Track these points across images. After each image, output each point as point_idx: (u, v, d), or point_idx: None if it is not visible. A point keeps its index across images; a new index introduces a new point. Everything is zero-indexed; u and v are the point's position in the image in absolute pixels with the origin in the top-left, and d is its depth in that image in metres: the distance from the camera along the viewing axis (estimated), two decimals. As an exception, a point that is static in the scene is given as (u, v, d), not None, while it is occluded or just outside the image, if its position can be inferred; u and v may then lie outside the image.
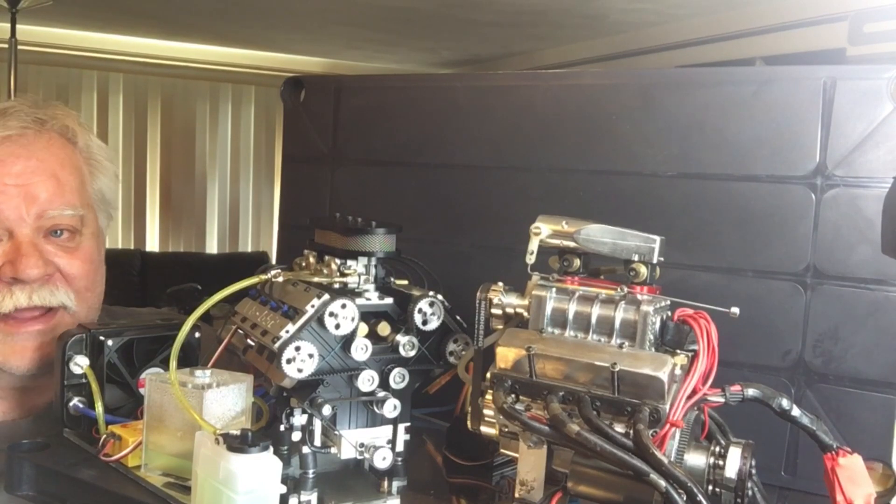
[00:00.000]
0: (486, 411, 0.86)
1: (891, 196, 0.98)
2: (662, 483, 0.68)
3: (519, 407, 0.80)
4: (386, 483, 0.92)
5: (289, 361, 0.82)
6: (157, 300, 4.71)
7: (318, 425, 0.90)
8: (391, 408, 0.89)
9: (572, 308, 0.82)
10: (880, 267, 1.00)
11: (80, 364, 0.98)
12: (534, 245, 0.84)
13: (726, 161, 1.10)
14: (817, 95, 1.05)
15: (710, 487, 0.76)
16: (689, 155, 1.13)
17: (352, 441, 0.90)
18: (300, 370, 0.83)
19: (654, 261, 0.80)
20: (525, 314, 0.84)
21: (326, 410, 0.85)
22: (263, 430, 0.97)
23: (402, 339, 0.90)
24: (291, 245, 1.47)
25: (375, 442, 0.91)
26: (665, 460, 0.69)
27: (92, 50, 5.07)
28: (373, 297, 0.92)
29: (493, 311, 0.86)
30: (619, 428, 0.74)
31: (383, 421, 0.92)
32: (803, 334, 1.05)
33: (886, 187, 0.99)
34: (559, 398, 0.77)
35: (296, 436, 0.90)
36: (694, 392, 0.76)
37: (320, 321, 0.85)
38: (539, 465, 0.81)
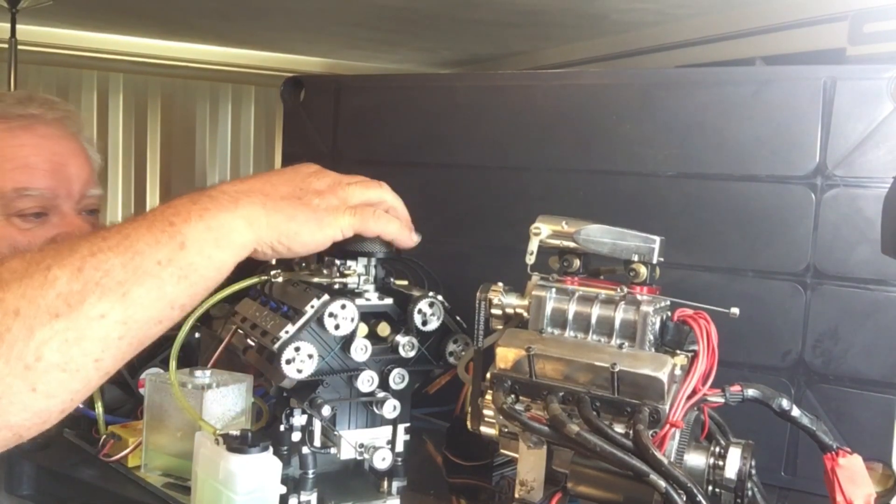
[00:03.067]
0: (486, 411, 0.86)
1: (891, 196, 0.98)
2: (662, 483, 0.68)
3: (519, 407, 0.80)
4: (386, 483, 0.92)
5: (288, 362, 0.82)
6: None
7: (317, 426, 0.90)
8: (391, 408, 0.89)
9: (572, 308, 0.81)
10: (880, 267, 1.00)
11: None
12: (534, 245, 0.84)
13: (726, 161, 1.10)
14: (817, 95, 1.05)
15: (710, 488, 0.76)
16: (689, 155, 1.13)
17: (351, 441, 0.90)
18: (300, 371, 0.83)
19: (654, 261, 0.80)
20: (525, 314, 0.84)
21: (326, 411, 0.85)
22: (263, 430, 0.97)
23: (401, 339, 0.90)
24: (291, 245, 1.47)
25: (375, 442, 0.91)
26: (665, 461, 0.69)
27: (92, 50, 5.06)
28: (372, 298, 0.91)
29: (493, 311, 0.86)
30: (619, 428, 0.74)
31: (383, 421, 0.92)
32: (803, 334, 1.05)
33: (886, 187, 0.99)
34: (559, 398, 0.77)
35: (296, 436, 0.90)
36: (694, 392, 0.76)
37: (320, 321, 0.85)
38: (539, 465, 0.81)
